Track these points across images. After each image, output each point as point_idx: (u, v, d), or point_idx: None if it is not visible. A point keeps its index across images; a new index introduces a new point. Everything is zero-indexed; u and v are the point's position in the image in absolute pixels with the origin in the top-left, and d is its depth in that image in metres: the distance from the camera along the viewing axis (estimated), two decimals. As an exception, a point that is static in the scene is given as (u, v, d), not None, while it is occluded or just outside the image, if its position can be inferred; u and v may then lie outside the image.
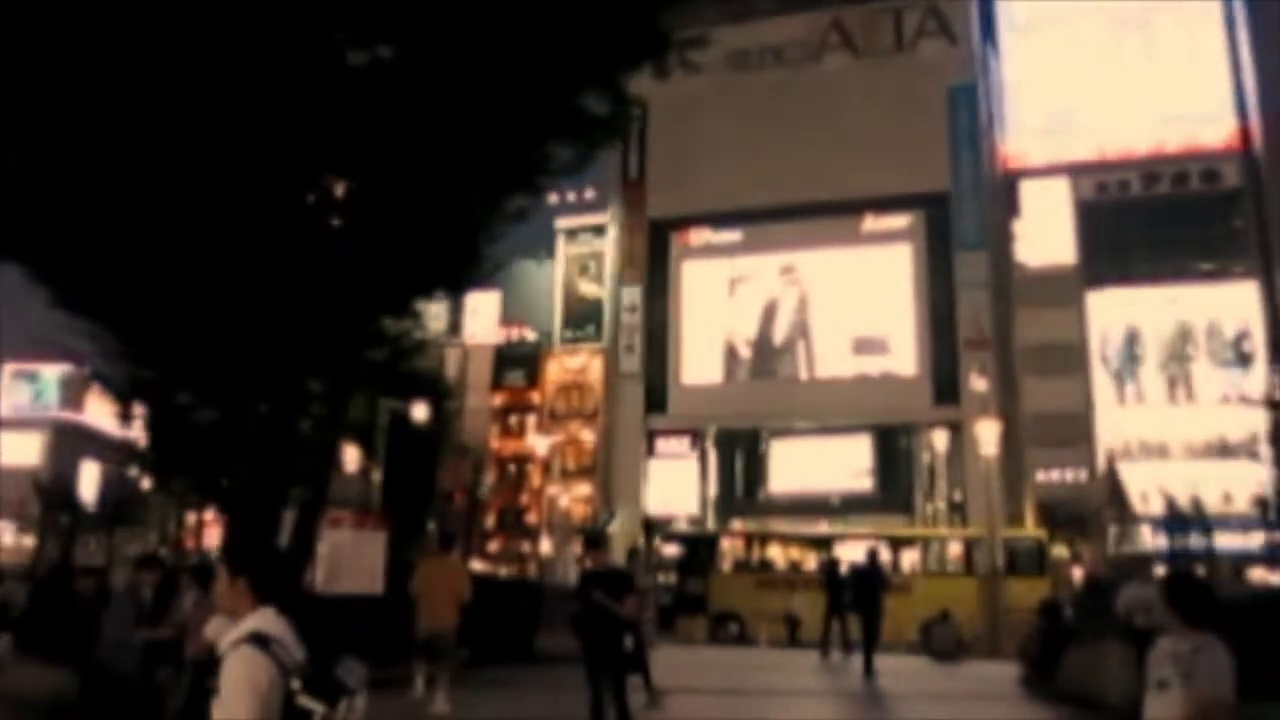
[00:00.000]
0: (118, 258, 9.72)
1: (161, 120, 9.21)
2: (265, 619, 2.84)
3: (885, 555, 22.15)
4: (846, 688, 14.80)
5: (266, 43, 9.41)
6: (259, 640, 2.74)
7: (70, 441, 55.89)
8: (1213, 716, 3.36)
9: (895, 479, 44.54)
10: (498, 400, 54.65)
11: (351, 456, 26.72)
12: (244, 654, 2.72)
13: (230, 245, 9.59)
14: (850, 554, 22.65)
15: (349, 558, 12.47)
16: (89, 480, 50.13)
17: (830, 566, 19.46)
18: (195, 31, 9.10)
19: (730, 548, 27.87)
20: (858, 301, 45.99)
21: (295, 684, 2.71)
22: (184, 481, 13.82)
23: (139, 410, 12.70)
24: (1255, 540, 32.07)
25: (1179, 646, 3.53)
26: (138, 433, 13.60)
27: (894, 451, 45.02)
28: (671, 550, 29.04)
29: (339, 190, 11.37)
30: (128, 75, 9.09)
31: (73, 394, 58.97)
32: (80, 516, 37.89)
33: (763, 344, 48.34)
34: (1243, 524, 33.04)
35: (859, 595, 16.62)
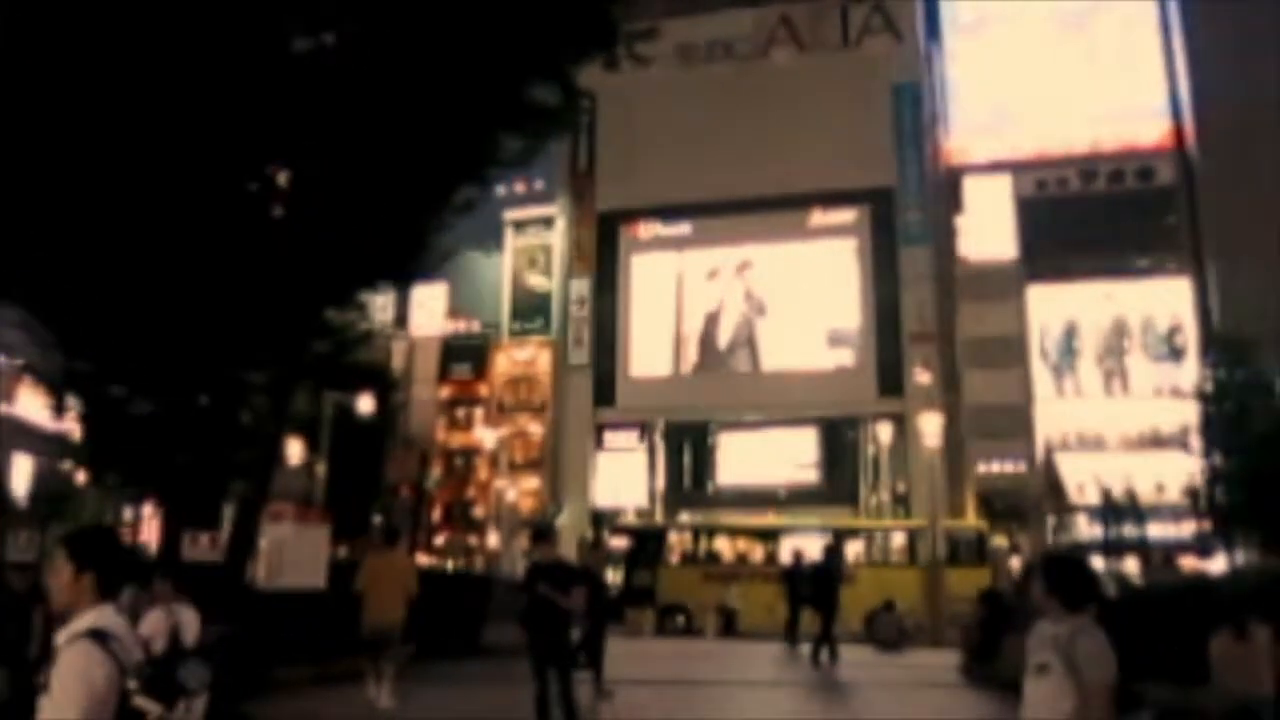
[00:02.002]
0: (49, 244, 9.45)
1: (98, 103, 8.96)
2: (105, 615, 2.75)
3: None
4: (792, 678, 14.96)
5: (209, 26, 9.20)
6: (98, 636, 2.65)
7: (0, 434, 54.22)
8: (1097, 698, 3.40)
9: (840, 471, 45.09)
10: (444, 393, 54.20)
11: (295, 450, 26.32)
12: (81, 650, 2.63)
13: (168, 233, 9.37)
14: (796, 546, 22.89)
15: (291, 552, 12.30)
16: (20, 474, 48.69)
17: (794, 561, 19.61)
18: (135, 11, 8.87)
19: (678, 540, 27.97)
20: (805, 295, 46.42)
21: (132, 684, 2.63)
22: (121, 475, 13.48)
23: (73, 402, 12.36)
24: (1186, 529, 33.01)
25: (1058, 630, 3.55)
26: (72, 425, 13.24)
27: (839, 444, 45.56)
28: (619, 543, 29.06)
29: (282, 179, 11.16)
30: (62, 58, 8.83)
31: (3, 385, 57.23)
32: (11, 511, 36.79)
33: (710, 337, 48.56)
34: (1174, 513, 34.00)
35: (817, 589, 16.82)
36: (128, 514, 33.70)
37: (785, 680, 14.73)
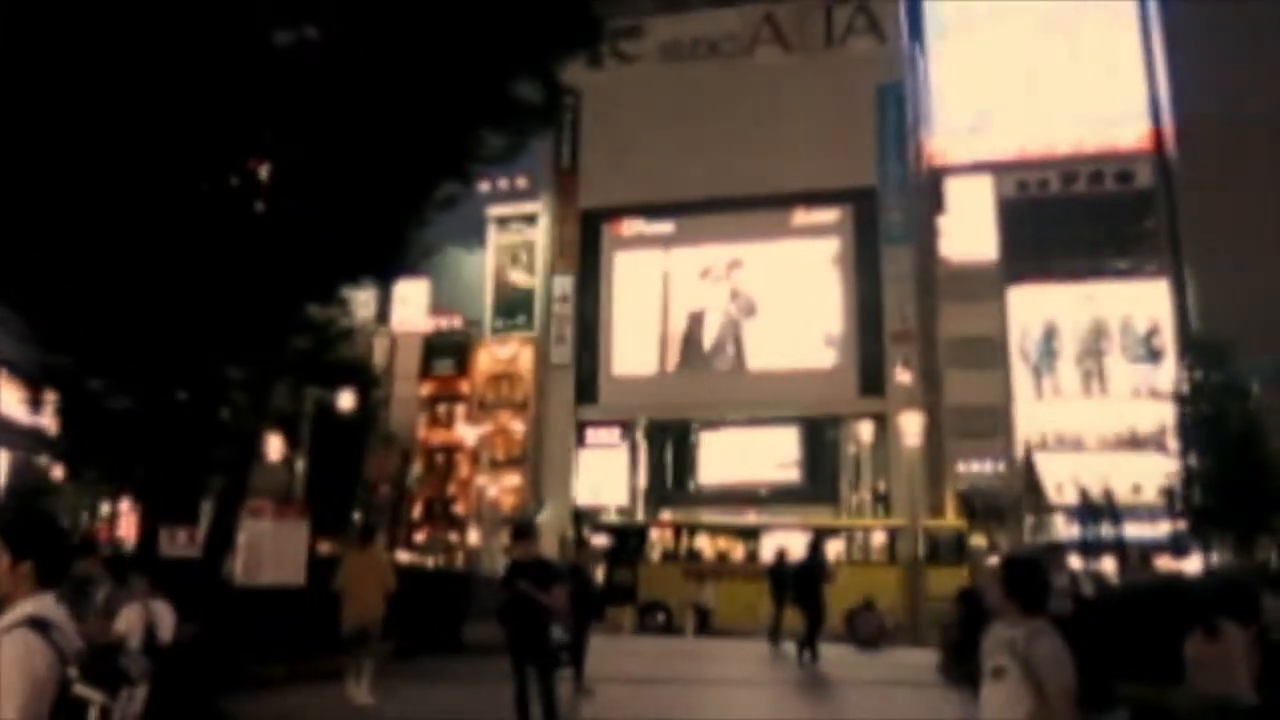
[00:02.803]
0: (26, 237, 9.35)
1: (77, 95, 8.88)
2: (44, 604, 2.71)
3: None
4: (773, 676, 15.00)
5: (190, 18, 9.13)
6: (39, 625, 2.62)
7: (-24, 429, 53.61)
8: (1059, 702, 3.37)
9: (822, 470, 45.24)
10: (426, 389, 54.02)
11: (274, 446, 26.16)
12: (21, 638, 2.59)
13: (147, 226, 9.29)
14: (781, 544, 23.03)
15: (270, 548, 12.23)
16: (-4, 469, 48.17)
17: (778, 559, 19.69)
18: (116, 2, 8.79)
19: (659, 538, 27.98)
20: (787, 295, 46.53)
21: (73, 672, 2.61)
22: (98, 471, 13.35)
23: (49, 396, 12.24)
24: (1162, 529, 33.34)
25: (1014, 633, 3.52)
26: (48, 420, 13.12)
27: (821, 443, 45.71)
28: (600, 540, 29.05)
29: (263, 173, 11.08)
30: (38, 49, 8.74)
31: (-22, 379, 56.55)
32: (-14, 507, 36.42)
33: (693, 336, 48.60)
34: (1150, 514, 34.35)
35: (801, 587, 16.90)
36: (105, 509, 33.42)
37: (766, 679, 14.77)
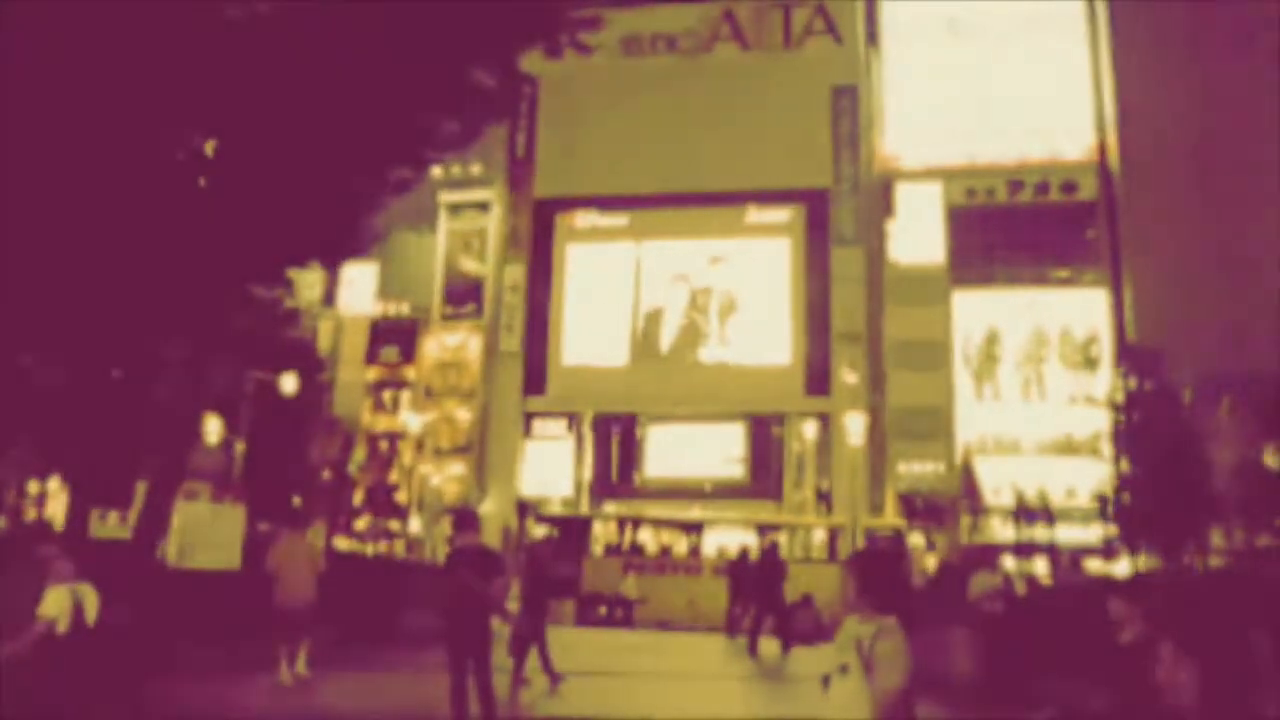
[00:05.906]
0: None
1: (14, 57, 8.60)
2: None
3: (753, 541, 22.95)
4: (718, 669, 15.11)
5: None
6: None
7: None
8: (887, 702, 3.38)
9: (766, 467, 45.58)
10: (371, 375, 53.39)
11: (213, 427, 25.69)
12: None
13: (83, 192, 9.04)
14: (721, 540, 23.31)
15: (205, 531, 12.00)
16: (-81, 444, 46.67)
17: (740, 557, 20.14)
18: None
19: (603, 531, 28.01)
20: (737, 291, 46.79)
21: None
22: (26, 448, 13.01)
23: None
24: (1094, 533, 34.15)
25: (862, 631, 3.53)
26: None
27: (766, 440, 46.04)
28: (544, 532, 29.01)
29: (209, 148, 10.86)
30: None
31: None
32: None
33: (641, 330, 48.62)
34: (1083, 517, 35.18)
35: (760, 584, 17.22)
36: (33, 488, 32.55)
37: (719, 672, 14.87)
